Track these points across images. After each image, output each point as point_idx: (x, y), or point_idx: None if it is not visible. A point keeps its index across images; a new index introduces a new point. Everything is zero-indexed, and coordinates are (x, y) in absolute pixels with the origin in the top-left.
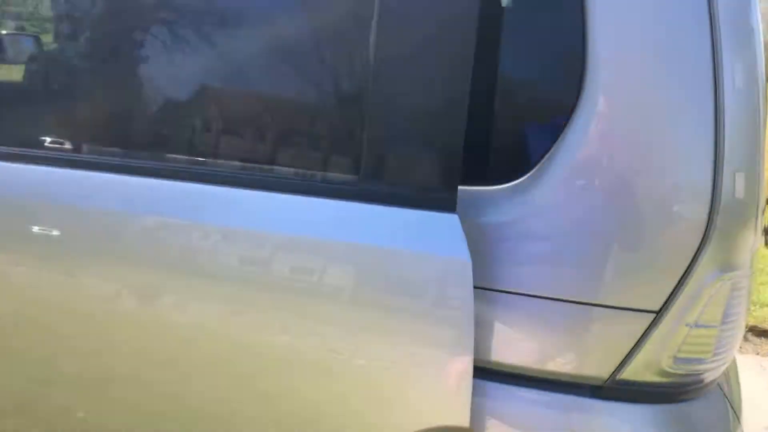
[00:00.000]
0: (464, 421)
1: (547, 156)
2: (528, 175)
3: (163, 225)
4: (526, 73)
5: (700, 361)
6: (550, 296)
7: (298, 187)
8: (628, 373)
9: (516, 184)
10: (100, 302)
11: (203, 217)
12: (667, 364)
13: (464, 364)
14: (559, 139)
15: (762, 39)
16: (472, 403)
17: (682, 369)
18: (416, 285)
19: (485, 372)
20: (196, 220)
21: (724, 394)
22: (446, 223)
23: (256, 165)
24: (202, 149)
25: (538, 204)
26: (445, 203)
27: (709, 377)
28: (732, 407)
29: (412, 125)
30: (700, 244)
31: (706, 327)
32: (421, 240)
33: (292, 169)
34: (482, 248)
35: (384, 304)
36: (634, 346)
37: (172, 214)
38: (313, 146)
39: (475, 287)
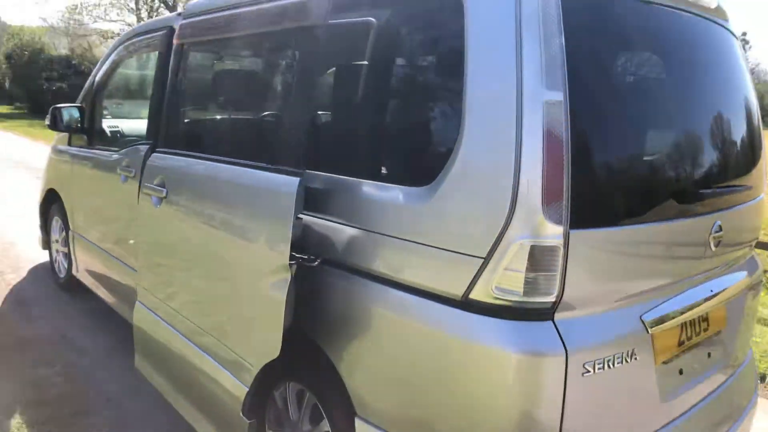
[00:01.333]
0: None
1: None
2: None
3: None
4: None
5: (513, 292)
6: (425, 243)
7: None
8: (474, 294)
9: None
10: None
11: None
12: (493, 291)
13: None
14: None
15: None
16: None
17: (503, 296)
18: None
19: (381, 280)
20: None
21: (559, 335)
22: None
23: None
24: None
25: (438, 197)
26: (295, 173)
27: (530, 306)
28: (562, 340)
29: None
30: (507, 220)
31: (514, 271)
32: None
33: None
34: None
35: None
36: (474, 276)
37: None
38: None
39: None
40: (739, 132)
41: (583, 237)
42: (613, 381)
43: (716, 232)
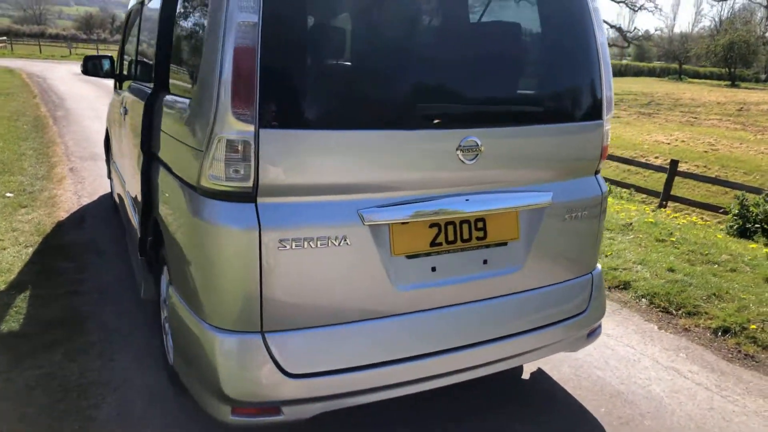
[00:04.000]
0: None
1: None
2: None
3: None
4: None
5: (219, 178)
6: (185, 142)
7: None
8: (201, 181)
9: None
10: None
11: None
12: (209, 177)
13: None
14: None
15: None
16: (168, 186)
17: (215, 181)
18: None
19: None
20: None
21: (257, 214)
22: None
23: None
24: None
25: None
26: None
27: (233, 189)
28: (259, 219)
29: None
30: (213, 119)
31: (218, 160)
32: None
33: None
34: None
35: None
36: (200, 166)
37: None
38: None
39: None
40: (514, 56)
41: (274, 135)
42: (318, 259)
43: (468, 147)
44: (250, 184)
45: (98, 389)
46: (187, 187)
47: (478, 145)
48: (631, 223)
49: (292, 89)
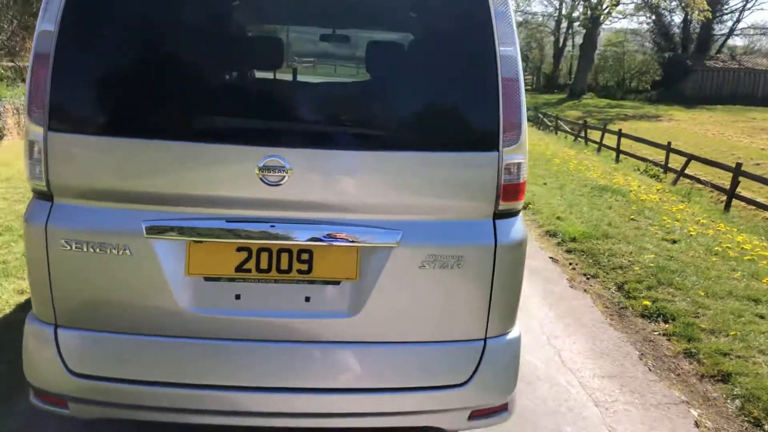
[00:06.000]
0: None
1: None
2: None
3: None
4: None
5: (30, 176)
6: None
7: None
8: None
9: None
10: None
11: None
12: (27, 176)
13: None
14: None
15: None
16: None
17: (30, 180)
18: None
19: None
20: None
21: (48, 213)
22: None
23: None
24: None
25: None
26: None
27: (39, 189)
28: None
29: None
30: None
31: (27, 159)
32: None
33: None
34: None
35: None
36: None
37: None
38: None
39: None
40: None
41: (61, 139)
42: (99, 264)
43: (271, 168)
44: (44, 183)
45: None
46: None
47: (284, 166)
48: None
49: (80, 96)
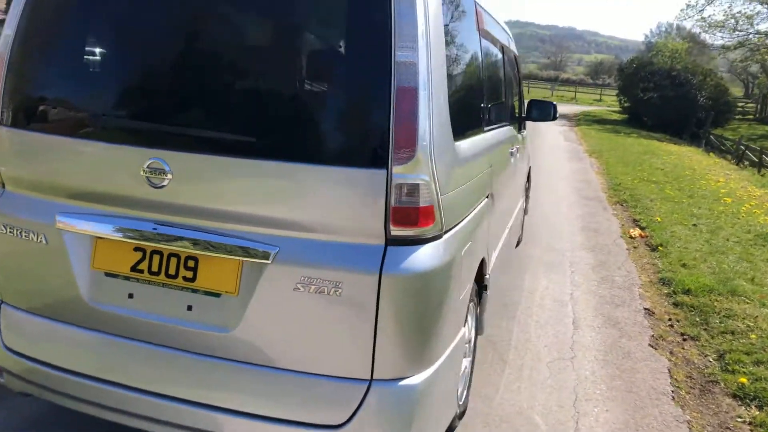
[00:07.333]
0: None
1: None
2: None
3: None
4: None
5: None
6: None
7: None
8: None
9: None
10: None
11: None
12: None
13: None
14: None
15: None
16: None
17: None
18: None
19: None
20: None
21: None
22: None
23: None
24: None
25: None
26: None
27: None
28: None
29: None
30: None
31: None
32: None
33: None
34: None
35: None
36: None
37: None
38: None
39: None
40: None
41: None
42: (20, 247)
43: (154, 170)
44: None
45: None
46: None
47: (165, 169)
48: None
49: (24, 94)
